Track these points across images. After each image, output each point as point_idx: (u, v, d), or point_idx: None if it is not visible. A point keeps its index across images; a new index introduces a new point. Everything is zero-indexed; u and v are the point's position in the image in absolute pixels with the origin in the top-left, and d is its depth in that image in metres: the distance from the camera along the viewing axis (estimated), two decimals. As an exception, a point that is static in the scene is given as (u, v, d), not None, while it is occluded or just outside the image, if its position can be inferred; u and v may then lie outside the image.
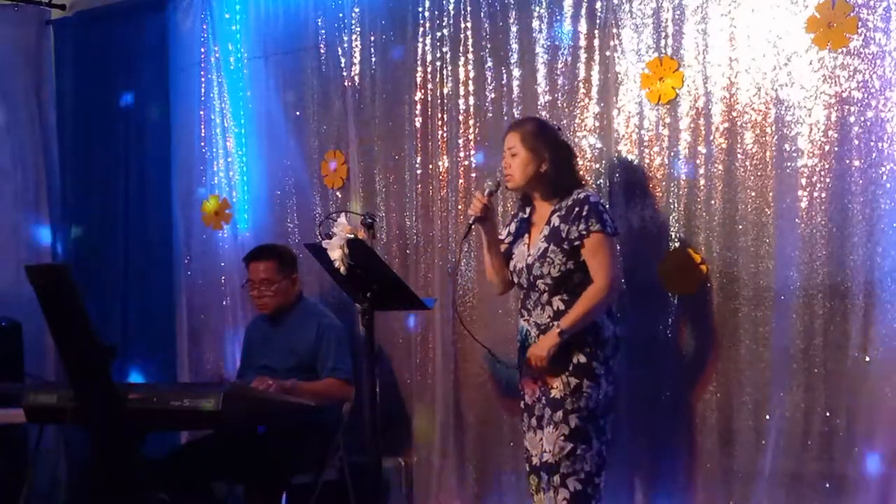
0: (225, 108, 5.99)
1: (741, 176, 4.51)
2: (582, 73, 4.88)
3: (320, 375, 5.03)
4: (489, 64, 5.14)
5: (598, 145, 4.84)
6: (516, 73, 5.06)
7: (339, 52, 5.61)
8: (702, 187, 4.59)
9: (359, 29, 5.55)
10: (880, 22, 4.22)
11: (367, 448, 4.44)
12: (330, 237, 4.11)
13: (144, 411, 4.17)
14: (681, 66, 4.63)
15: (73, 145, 6.63)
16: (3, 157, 6.51)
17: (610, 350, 4.22)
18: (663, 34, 4.68)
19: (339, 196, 5.64)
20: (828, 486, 4.33)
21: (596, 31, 4.83)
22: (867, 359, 4.25)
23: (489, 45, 5.14)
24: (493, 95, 5.14)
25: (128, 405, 4.16)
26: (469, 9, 5.19)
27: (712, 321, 4.57)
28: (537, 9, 4.98)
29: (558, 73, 4.94)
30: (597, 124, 4.85)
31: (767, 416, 4.44)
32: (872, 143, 4.24)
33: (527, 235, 4.36)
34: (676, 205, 4.64)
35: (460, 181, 5.23)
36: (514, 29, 5.06)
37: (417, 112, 5.37)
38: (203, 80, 6.05)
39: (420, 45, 5.35)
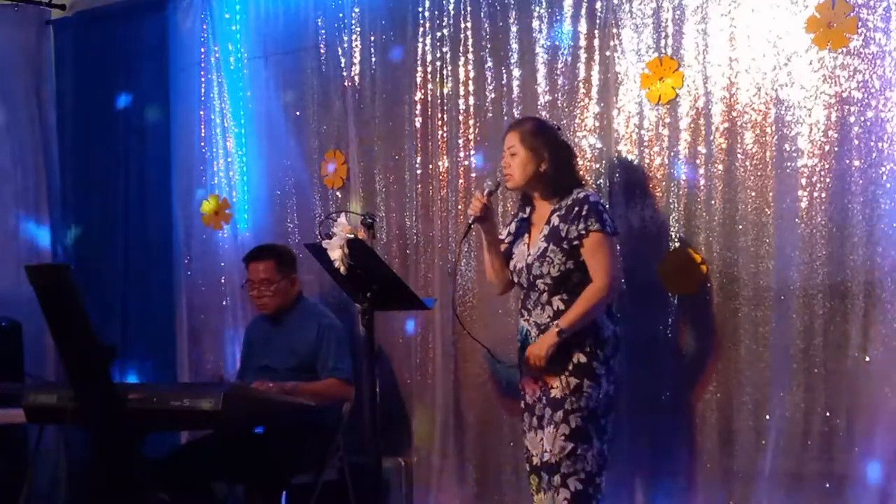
0: (225, 109, 5.99)
1: (741, 176, 4.51)
2: (582, 73, 4.88)
3: (320, 375, 5.03)
4: (489, 64, 5.14)
5: (598, 145, 4.84)
6: (516, 73, 5.05)
7: (339, 52, 5.61)
8: (702, 187, 4.59)
9: (359, 29, 5.55)
10: (880, 22, 4.21)
11: (367, 448, 4.43)
12: (330, 237, 4.11)
13: (144, 411, 4.18)
14: (681, 66, 4.63)
15: (73, 145, 6.62)
16: (3, 157, 6.50)
17: (610, 349, 4.21)
18: (663, 34, 4.67)
19: (339, 196, 5.64)
20: (828, 486, 4.33)
21: (596, 31, 4.83)
22: (867, 359, 4.24)
23: (489, 45, 5.14)
24: (493, 95, 5.14)
25: (128, 405, 4.16)
26: (469, 9, 5.18)
27: (712, 321, 4.57)
28: (537, 9, 4.98)
29: (558, 73, 4.94)
30: (597, 124, 4.85)
31: (767, 416, 4.43)
32: (872, 143, 4.24)
33: (527, 235, 4.36)
34: (676, 205, 4.64)
35: (460, 181, 5.23)
36: (514, 29, 5.06)
37: (417, 112, 5.37)
38: (203, 80, 6.05)
39: (420, 45, 5.34)
